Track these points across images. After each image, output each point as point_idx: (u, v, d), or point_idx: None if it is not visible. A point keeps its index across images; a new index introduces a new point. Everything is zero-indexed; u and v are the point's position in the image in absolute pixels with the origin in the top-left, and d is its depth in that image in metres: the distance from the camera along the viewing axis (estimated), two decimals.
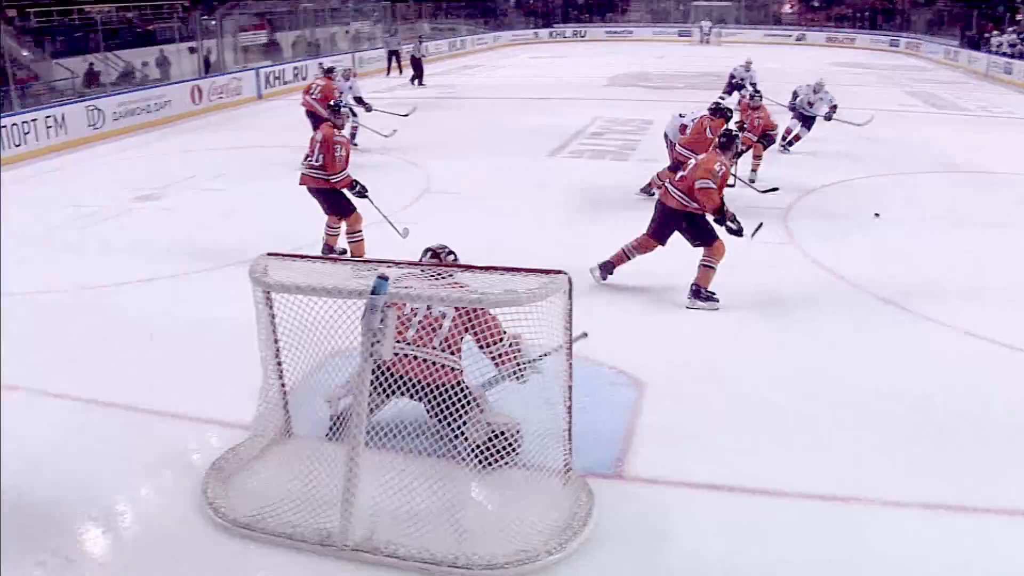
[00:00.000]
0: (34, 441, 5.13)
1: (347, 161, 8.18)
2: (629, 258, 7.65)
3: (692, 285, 7.37)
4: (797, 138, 14.03)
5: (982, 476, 5.02)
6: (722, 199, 7.22)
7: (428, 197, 11.29)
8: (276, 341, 4.72)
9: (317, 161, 8.07)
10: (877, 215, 10.13)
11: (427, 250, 5.42)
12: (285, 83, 22.51)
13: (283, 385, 4.87)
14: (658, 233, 7.54)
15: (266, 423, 4.92)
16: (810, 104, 13.79)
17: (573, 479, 4.62)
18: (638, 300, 7.54)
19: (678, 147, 9.91)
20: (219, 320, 6.77)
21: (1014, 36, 29.96)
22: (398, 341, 4.71)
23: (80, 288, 7.76)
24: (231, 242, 8.85)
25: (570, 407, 4.55)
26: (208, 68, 21.65)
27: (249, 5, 27.74)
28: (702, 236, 7.35)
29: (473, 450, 4.47)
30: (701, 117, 10.20)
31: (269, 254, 4.61)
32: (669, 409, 5.65)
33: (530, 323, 4.42)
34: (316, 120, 12.49)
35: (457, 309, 4.80)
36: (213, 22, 23.49)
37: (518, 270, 4.27)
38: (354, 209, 8.26)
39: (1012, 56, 28.55)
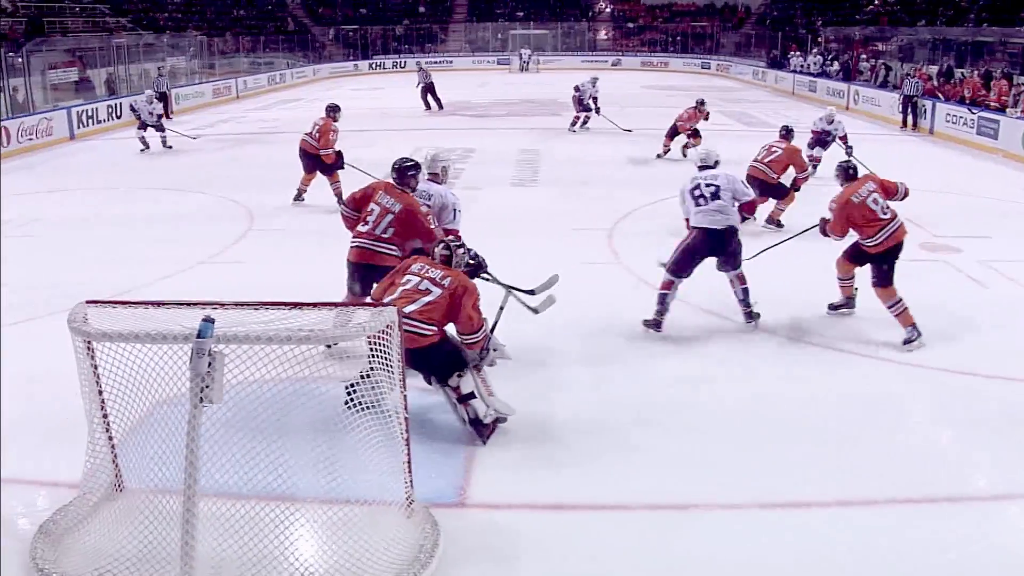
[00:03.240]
0: None
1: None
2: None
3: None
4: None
5: (809, 473, 5.33)
6: None
7: (252, 235, 11.10)
8: (100, 393, 4.55)
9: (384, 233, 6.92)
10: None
11: (439, 241, 5.90)
12: (99, 122, 21.68)
13: (111, 438, 4.70)
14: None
15: (95, 479, 4.73)
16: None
17: (417, 511, 4.63)
18: None
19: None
20: (42, 374, 6.42)
21: (818, 57, 31.87)
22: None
23: None
24: (51, 290, 8.44)
25: (407, 439, 4.56)
26: (15, 108, 20.56)
27: (58, 41, 26.60)
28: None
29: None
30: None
31: (88, 302, 4.45)
32: (507, 432, 5.71)
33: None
34: (309, 161, 12.41)
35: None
36: (19, 59, 22.34)
37: (347, 305, 4.27)
38: None
39: (816, 75, 30.34)
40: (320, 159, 12.22)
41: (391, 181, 6.99)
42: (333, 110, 12.67)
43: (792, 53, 34.73)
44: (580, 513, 4.93)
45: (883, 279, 7.32)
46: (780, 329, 7.64)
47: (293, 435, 4.62)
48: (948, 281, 9.22)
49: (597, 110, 19.96)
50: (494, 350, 5.98)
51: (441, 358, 5.49)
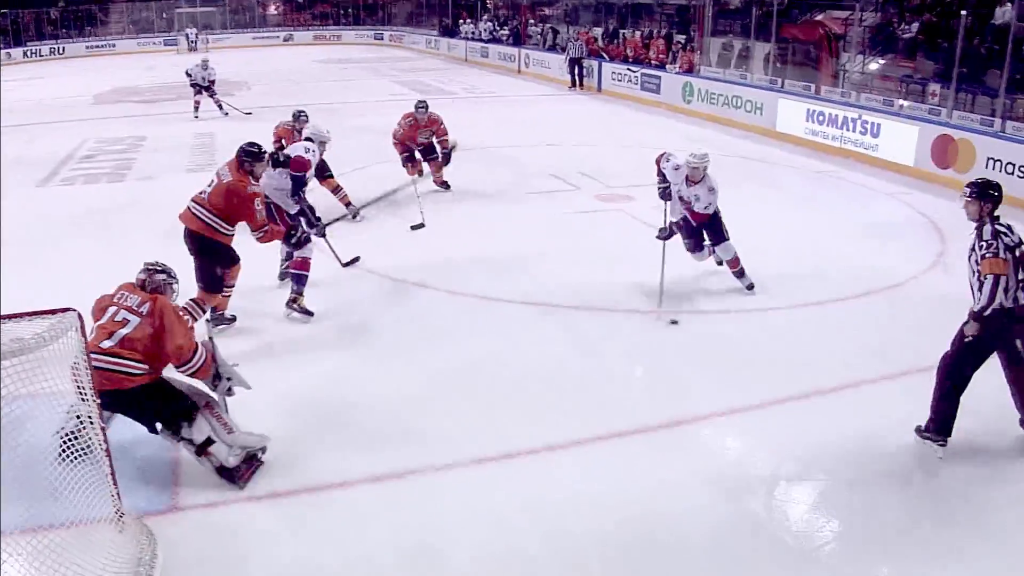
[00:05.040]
0: None
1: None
2: None
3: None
4: None
5: (548, 420, 5.68)
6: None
7: None
8: None
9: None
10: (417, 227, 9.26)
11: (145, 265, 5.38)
12: None
13: None
14: None
15: None
16: None
17: (129, 524, 4.41)
18: None
19: None
20: None
21: (488, 23, 32.79)
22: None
23: None
24: None
25: (107, 449, 4.29)
26: None
27: None
28: None
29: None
30: None
31: None
32: None
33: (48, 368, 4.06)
34: None
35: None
36: None
37: (22, 315, 3.92)
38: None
39: (487, 41, 31.23)
40: None
41: None
42: None
43: (463, 21, 35.51)
44: (295, 498, 4.88)
45: None
46: (521, 295, 7.89)
47: None
48: (625, 227, 9.86)
49: (212, 93, 19.09)
50: (228, 379, 5.32)
51: (159, 403, 4.96)
